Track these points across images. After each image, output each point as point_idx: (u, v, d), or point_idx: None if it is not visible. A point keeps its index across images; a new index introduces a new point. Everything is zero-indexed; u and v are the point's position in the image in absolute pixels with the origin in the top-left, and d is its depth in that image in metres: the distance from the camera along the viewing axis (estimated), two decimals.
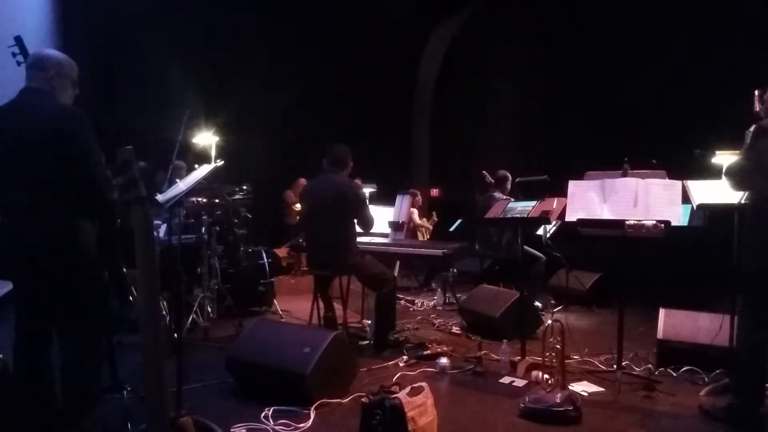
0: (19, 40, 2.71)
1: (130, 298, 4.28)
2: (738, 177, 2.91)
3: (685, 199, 3.42)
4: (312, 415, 2.98)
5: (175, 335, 3.51)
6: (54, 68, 2.46)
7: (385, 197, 5.69)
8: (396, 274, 4.82)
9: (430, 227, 8.09)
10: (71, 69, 2.54)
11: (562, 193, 3.69)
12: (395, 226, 4.96)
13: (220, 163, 4.88)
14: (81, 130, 2.36)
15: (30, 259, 2.35)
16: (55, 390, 2.45)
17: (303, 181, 7.98)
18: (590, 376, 3.74)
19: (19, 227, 2.35)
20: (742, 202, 3.06)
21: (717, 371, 3.57)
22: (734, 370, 3.09)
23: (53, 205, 2.34)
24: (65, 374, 2.41)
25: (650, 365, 3.82)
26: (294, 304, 5.70)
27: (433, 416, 2.72)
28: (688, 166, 3.77)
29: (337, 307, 4.52)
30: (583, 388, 3.50)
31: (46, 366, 2.47)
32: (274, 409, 3.00)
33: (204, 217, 4.92)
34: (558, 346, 3.41)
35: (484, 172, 6.07)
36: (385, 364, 3.94)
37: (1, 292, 3.63)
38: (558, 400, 3.00)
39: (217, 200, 5.07)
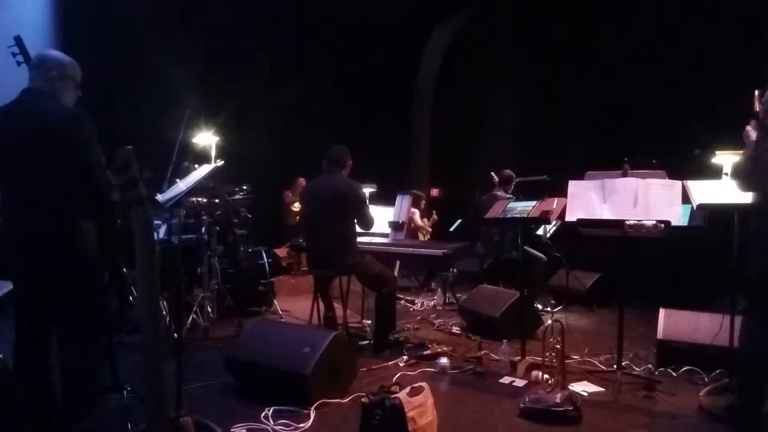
0: (19, 41, 2.71)
1: (130, 298, 4.29)
2: (744, 178, 2.90)
3: (685, 199, 3.41)
4: (312, 415, 2.98)
5: (175, 335, 3.51)
6: (56, 69, 2.46)
7: (385, 197, 5.69)
8: (396, 274, 4.82)
9: (430, 229, 8.09)
10: (74, 70, 2.54)
11: (562, 193, 3.69)
12: (395, 226, 4.96)
13: (220, 163, 4.88)
14: (82, 131, 2.36)
15: (31, 259, 2.34)
16: (55, 390, 2.45)
17: (302, 181, 8.00)
18: (590, 376, 3.73)
19: (20, 228, 2.34)
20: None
21: (717, 371, 3.56)
22: (736, 370, 3.08)
23: (54, 207, 2.34)
24: (65, 374, 2.41)
25: (650, 365, 3.82)
26: (294, 304, 5.70)
27: (433, 416, 2.72)
28: (688, 166, 3.77)
29: (337, 307, 4.52)
30: (583, 388, 3.50)
31: (46, 366, 2.47)
32: (274, 409, 3.00)
33: (204, 217, 4.92)
34: (558, 346, 3.41)
35: (492, 173, 6.08)
36: (385, 364, 3.93)
37: (1, 292, 3.64)
38: (558, 400, 2.99)
39: (217, 200, 5.07)
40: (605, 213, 3.44)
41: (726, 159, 3.39)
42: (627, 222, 3.35)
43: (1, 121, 2.39)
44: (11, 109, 2.41)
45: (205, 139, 5.56)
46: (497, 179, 6.00)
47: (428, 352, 4.12)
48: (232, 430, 2.78)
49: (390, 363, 3.95)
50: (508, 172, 6.03)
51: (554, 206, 3.85)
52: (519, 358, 3.87)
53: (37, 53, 2.54)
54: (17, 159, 2.34)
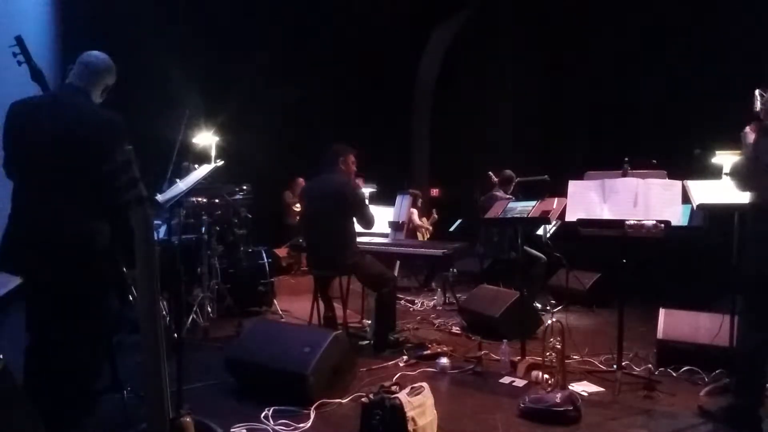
0: (19, 40, 2.71)
1: (130, 298, 4.28)
2: (741, 177, 2.91)
3: (685, 199, 3.42)
4: (312, 415, 2.98)
5: (175, 335, 3.50)
6: (103, 72, 2.53)
7: (385, 197, 5.68)
8: (396, 274, 4.82)
9: (430, 227, 8.09)
10: (112, 77, 2.60)
11: (562, 193, 3.69)
12: (395, 226, 4.96)
13: (220, 163, 4.88)
14: (118, 136, 2.37)
15: (48, 256, 2.33)
16: (56, 390, 2.45)
17: (301, 181, 7.99)
18: (590, 376, 3.73)
19: (40, 225, 2.34)
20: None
21: (717, 371, 3.56)
22: (734, 371, 3.09)
23: (73, 204, 2.35)
24: (67, 374, 2.41)
25: (650, 365, 3.82)
26: (294, 304, 5.70)
27: (433, 416, 2.72)
28: (688, 166, 3.77)
29: (337, 307, 4.52)
30: (583, 388, 3.50)
31: (52, 366, 2.46)
32: (274, 409, 3.00)
33: (204, 217, 4.92)
34: (558, 346, 3.41)
35: (489, 172, 6.08)
36: (385, 364, 3.93)
37: (3, 290, 3.63)
38: (558, 400, 2.99)
39: (217, 200, 5.07)
40: (605, 213, 3.44)
41: (726, 159, 3.39)
42: (627, 222, 3.35)
43: (37, 114, 2.40)
44: (48, 103, 2.42)
45: (205, 139, 5.56)
46: (496, 179, 6.00)
47: (428, 352, 4.12)
48: (232, 430, 2.78)
49: (390, 363, 3.95)
50: (507, 172, 6.03)
51: (554, 206, 3.85)
52: (519, 358, 3.87)
53: (87, 52, 2.56)
54: (49, 154, 2.34)
